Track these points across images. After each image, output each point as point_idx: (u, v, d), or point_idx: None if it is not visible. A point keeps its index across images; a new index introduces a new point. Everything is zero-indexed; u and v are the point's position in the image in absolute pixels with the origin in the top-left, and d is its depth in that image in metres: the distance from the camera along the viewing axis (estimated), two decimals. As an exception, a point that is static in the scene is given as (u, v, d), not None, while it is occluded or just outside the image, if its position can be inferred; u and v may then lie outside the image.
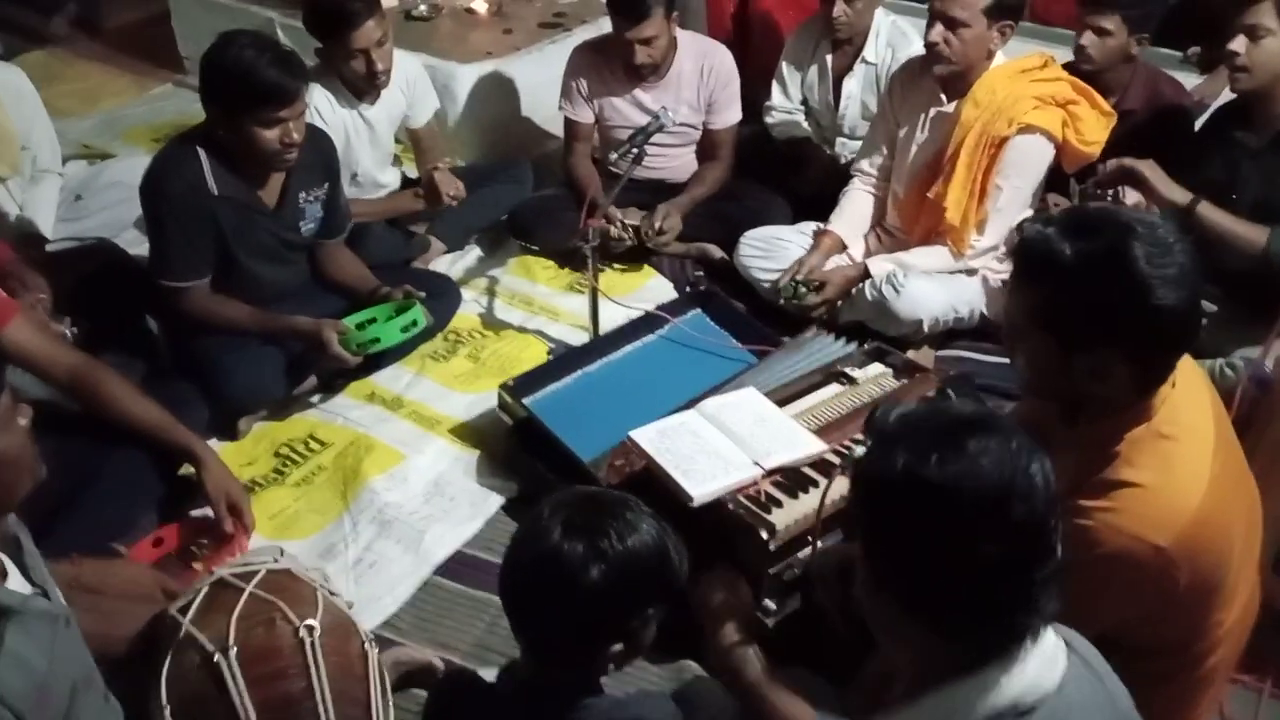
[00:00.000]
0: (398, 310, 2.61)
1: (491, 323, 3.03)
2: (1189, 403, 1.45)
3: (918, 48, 3.03)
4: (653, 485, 2.05)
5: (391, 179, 3.26)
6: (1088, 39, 2.77)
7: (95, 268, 2.78)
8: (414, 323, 2.57)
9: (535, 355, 2.85)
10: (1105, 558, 1.35)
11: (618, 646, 1.36)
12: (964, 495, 1.03)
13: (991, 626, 1.08)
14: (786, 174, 3.40)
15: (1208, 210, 2.35)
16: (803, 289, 2.85)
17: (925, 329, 2.78)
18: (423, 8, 3.98)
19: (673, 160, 3.30)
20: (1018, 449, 1.07)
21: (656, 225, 3.11)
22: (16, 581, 1.27)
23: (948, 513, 1.04)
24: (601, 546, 1.31)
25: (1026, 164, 2.70)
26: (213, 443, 2.42)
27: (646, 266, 3.27)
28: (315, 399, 2.71)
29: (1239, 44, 2.31)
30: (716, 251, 3.26)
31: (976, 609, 1.07)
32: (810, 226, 3.07)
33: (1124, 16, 2.74)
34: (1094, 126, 2.66)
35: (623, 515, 1.36)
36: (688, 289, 3.09)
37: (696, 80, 3.21)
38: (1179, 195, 2.36)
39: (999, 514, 1.04)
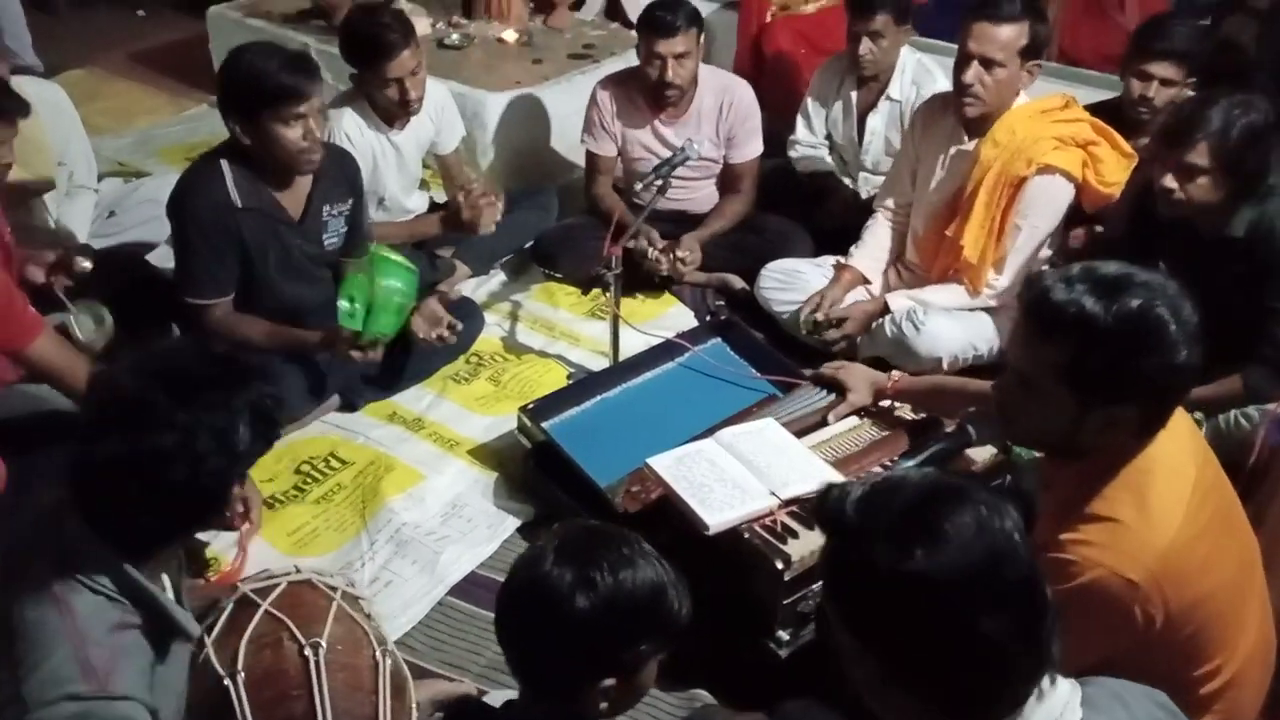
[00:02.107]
0: (377, 265, 2.57)
1: (513, 346, 3.05)
2: (1168, 441, 1.47)
3: (943, 85, 3.07)
4: (669, 513, 2.06)
5: (418, 204, 3.31)
6: (1154, 90, 2.78)
7: (124, 281, 2.83)
8: (401, 293, 2.53)
9: (555, 380, 2.88)
10: (1079, 590, 1.36)
11: (609, 681, 1.33)
12: (955, 579, 1.00)
13: (1005, 688, 1.06)
14: (808, 207, 3.42)
15: None
16: (825, 326, 2.87)
17: (945, 366, 2.79)
18: (455, 37, 4.04)
19: (694, 192, 3.34)
20: (989, 512, 1.04)
21: (678, 255, 3.14)
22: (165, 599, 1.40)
23: (942, 600, 1.01)
24: (590, 576, 1.30)
25: (1045, 204, 2.71)
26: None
27: (668, 294, 3.30)
28: (336, 417, 2.74)
29: (1170, 181, 2.25)
30: (737, 282, 3.28)
31: (988, 679, 1.04)
32: (831, 260, 3.09)
33: (1186, 65, 2.78)
34: (1114, 168, 2.68)
35: (619, 549, 1.35)
36: (708, 318, 3.11)
37: (716, 115, 3.25)
38: None
39: (993, 585, 1.02)
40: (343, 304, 2.48)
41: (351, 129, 2.97)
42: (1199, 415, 2.33)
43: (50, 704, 1.25)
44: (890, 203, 3.04)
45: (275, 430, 1.42)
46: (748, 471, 2.09)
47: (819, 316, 2.88)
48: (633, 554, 1.35)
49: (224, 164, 2.49)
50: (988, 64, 2.60)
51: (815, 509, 1.12)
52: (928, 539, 1.01)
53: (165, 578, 1.43)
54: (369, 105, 3.00)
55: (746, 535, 1.97)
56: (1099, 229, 2.89)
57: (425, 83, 2.99)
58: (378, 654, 1.52)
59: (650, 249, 3.09)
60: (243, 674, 1.43)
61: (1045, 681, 1.07)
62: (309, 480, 2.53)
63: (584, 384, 2.66)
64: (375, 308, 2.51)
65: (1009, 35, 2.58)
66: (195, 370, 1.36)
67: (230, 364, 1.42)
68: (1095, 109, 2.85)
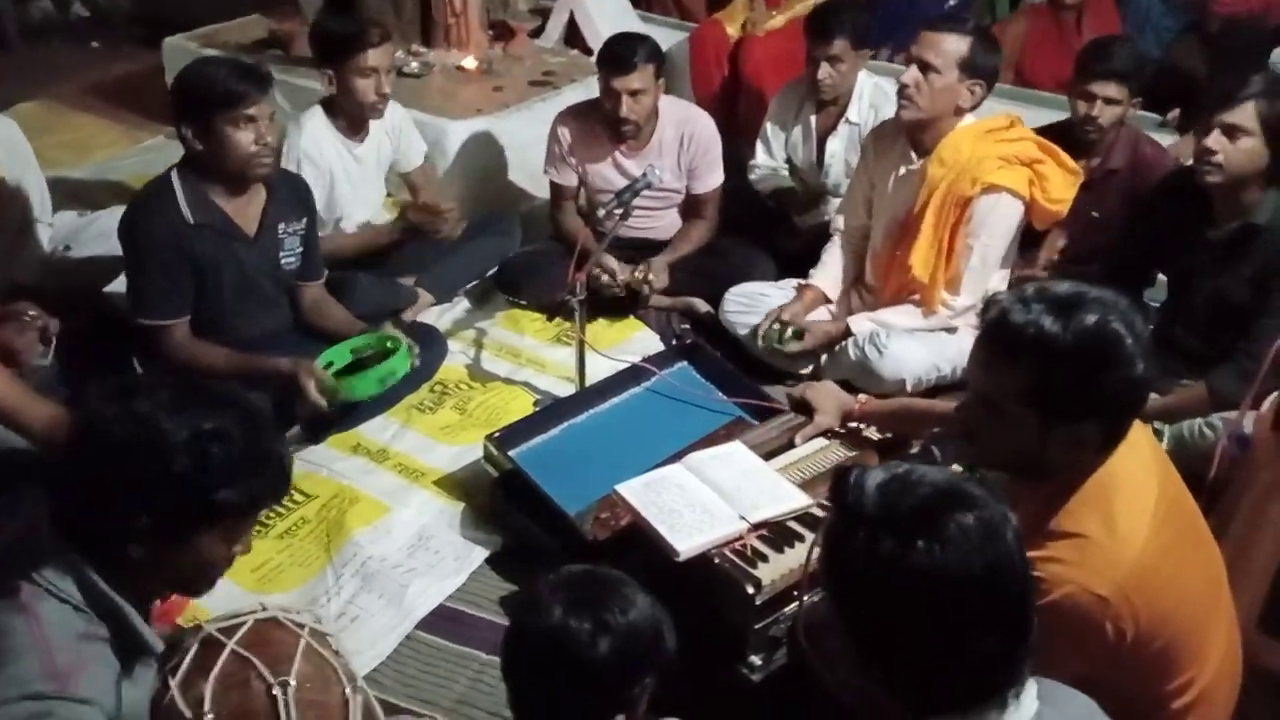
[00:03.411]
0: (379, 344, 2.60)
1: (478, 374, 3.03)
2: (1129, 456, 1.49)
3: (898, 108, 3.11)
4: (638, 539, 2.05)
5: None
6: (1099, 109, 2.86)
7: (80, 315, 2.78)
8: (391, 373, 2.56)
9: (522, 407, 2.85)
10: (1049, 607, 1.37)
11: (620, 718, 1.39)
12: (951, 579, 1.05)
13: (979, 693, 1.09)
14: (771, 231, 3.45)
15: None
16: (786, 334, 2.89)
17: (909, 388, 2.80)
18: (414, 65, 4.03)
19: (657, 220, 3.35)
20: (997, 522, 1.08)
21: (647, 278, 3.14)
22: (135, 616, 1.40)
23: (935, 597, 1.05)
24: (606, 620, 1.36)
25: (994, 223, 2.74)
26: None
27: (633, 319, 3.29)
28: (300, 449, 2.70)
29: (1215, 140, 2.32)
30: (702, 305, 3.29)
31: (964, 680, 1.09)
32: (794, 283, 3.11)
33: (1128, 84, 2.87)
34: (1060, 185, 2.72)
35: (620, 590, 1.41)
36: (674, 342, 3.11)
37: (678, 147, 3.27)
38: None
39: (987, 591, 1.06)
40: (332, 350, 2.55)
41: (315, 133, 3.02)
42: (1160, 425, 2.37)
43: (10, 703, 1.24)
44: (842, 224, 3.06)
45: (265, 449, 1.41)
46: (716, 496, 2.08)
47: (783, 318, 2.91)
48: (632, 593, 1.41)
49: (175, 178, 2.50)
50: (924, 67, 2.66)
51: (832, 489, 1.18)
52: (933, 536, 1.05)
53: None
54: (333, 117, 3.05)
55: (717, 560, 1.97)
56: (1060, 245, 2.95)
57: (391, 87, 3.04)
58: (348, 691, 1.48)
59: (605, 275, 3.09)
60: (210, 716, 1.39)
61: (1013, 695, 1.10)
62: (272, 515, 2.48)
63: (550, 411, 2.65)
64: (365, 371, 2.54)
65: (947, 45, 2.64)
66: (183, 388, 1.38)
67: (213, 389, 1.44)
68: (1046, 130, 2.91)
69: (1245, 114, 2.29)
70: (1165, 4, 4.43)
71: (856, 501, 1.10)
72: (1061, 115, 3.10)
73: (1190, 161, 2.51)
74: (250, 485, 1.38)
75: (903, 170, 2.84)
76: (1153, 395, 2.35)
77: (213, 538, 1.40)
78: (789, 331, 2.91)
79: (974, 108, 2.74)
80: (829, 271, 3.05)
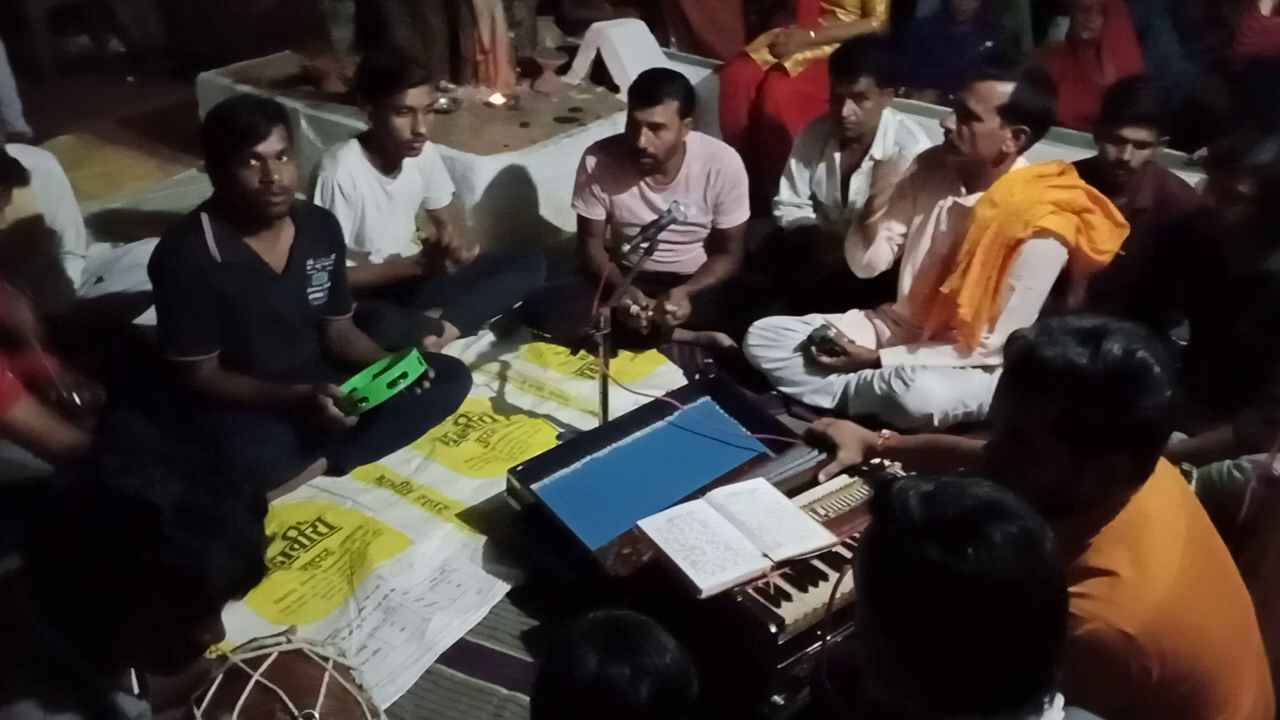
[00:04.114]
0: (392, 364, 2.62)
1: (502, 407, 3.04)
2: (1157, 495, 1.49)
3: (924, 145, 3.12)
4: (660, 576, 2.04)
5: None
6: (1129, 153, 2.87)
7: (111, 346, 2.83)
8: (403, 375, 2.54)
9: (545, 440, 2.86)
10: (1076, 642, 1.35)
11: None
12: (998, 584, 1.08)
13: (1016, 698, 1.13)
14: (794, 265, 3.46)
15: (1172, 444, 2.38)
16: (826, 343, 2.96)
17: (935, 423, 2.79)
18: (443, 101, 4.09)
19: (682, 255, 3.37)
20: (1038, 535, 1.13)
21: (667, 308, 3.16)
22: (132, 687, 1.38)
23: (985, 602, 1.09)
24: (645, 665, 1.37)
25: (1039, 267, 2.74)
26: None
27: (656, 353, 3.30)
28: (324, 481, 2.71)
29: (1212, 199, 2.38)
30: (725, 340, 3.29)
31: (1003, 687, 1.12)
32: (817, 318, 3.11)
33: (1157, 126, 2.88)
34: (1107, 236, 2.72)
35: (652, 634, 1.42)
36: (697, 376, 3.11)
37: (704, 183, 3.29)
38: None
39: (1030, 596, 1.10)
40: (355, 378, 2.57)
41: (350, 166, 3.07)
42: (1188, 466, 2.34)
43: None
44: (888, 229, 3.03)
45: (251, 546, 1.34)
46: (739, 533, 2.07)
47: (831, 334, 2.97)
48: (663, 637, 1.42)
49: (204, 218, 2.54)
50: (965, 115, 2.67)
51: (875, 499, 1.19)
52: (980, 543, 1.09)
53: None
54: (370, 152, 3.10)
55: (739, 598, 1.96)
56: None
57: (429, 127, 3.10)
58: (369, 726, 1.49)
59: (633, 305, 3.11)
60: (236, 748, 1.40)
61: (1047, 701, 1.14)
62: (296, 546, 2.50)
63: (573, 444, 2.65)
64: (371, 390, 2.54)
65: (987, 90, 2.65)
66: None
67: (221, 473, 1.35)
68: (1091, 172, 2.90)
69: (1241, 179, 2.33)
70: (1184, 48, 4.45)
71: (902, 511, 1.13)
72: (1083, 152, 3.09)
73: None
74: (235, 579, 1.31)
75: (950, 201, 2.84)
76: (1180, 436, 2.36)
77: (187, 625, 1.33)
78: (826, 343, 2.97)
79: (1021, 151, 2.74)
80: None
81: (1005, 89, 2.64)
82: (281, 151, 2.48)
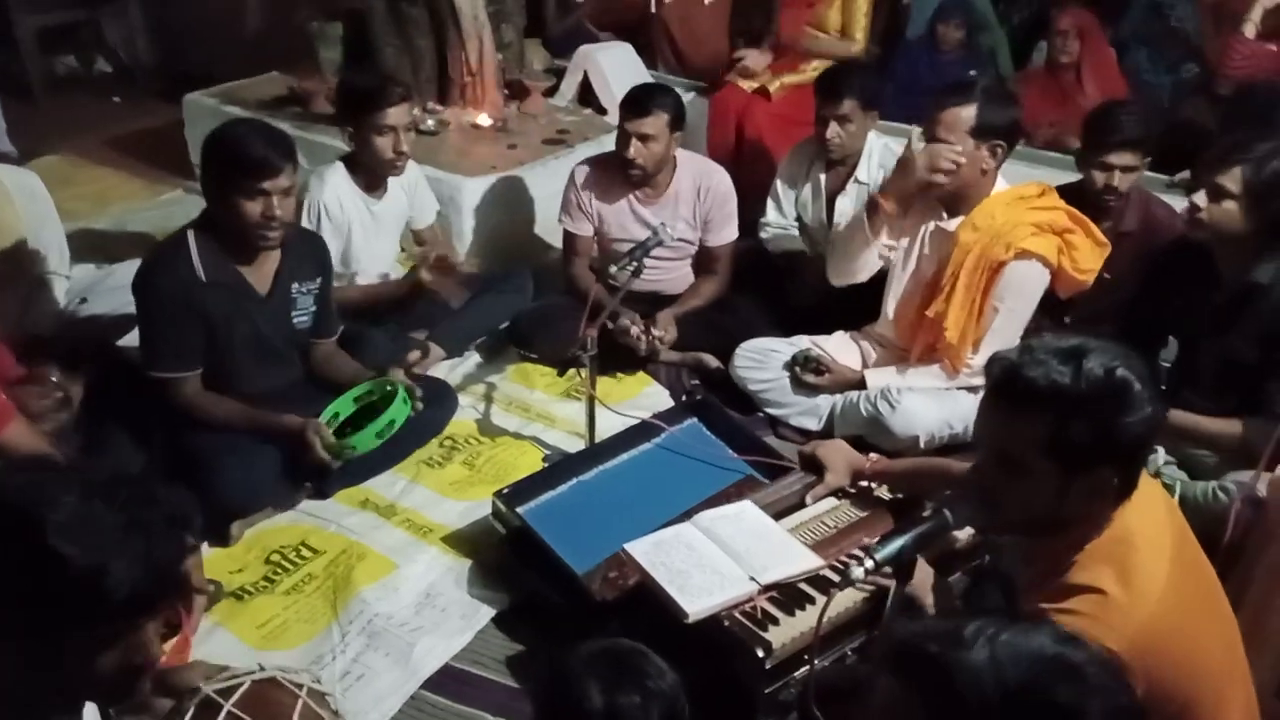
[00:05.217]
0: (379, 390, 2.62)
1: (488, 429, 3.03)
2: (1142, 513, 1.51)
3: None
4: (647, 600, 2.03)
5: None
6: (1117, 178, 2.89)
7: (95, 366, 2.80)
8: (390, 423, 2.56)
9: (531, 462, 2.85)
10: None
11: None
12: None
13: None
14: (780, 286, 3.47)
15: (1178, 416, 2.38)
16: (810, 363, 2.97)
17: (922, 444, 2.80)
18: (430, 123, 4.10)
19: (670, 273, 3.37)
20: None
21: (654, 333, 3.15)
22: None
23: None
24: (651, 690, 1.38)
25: (1022, 288, 2.75)
26: (204, 548, 2.42)
27: (643, 374, 3.30)
28: (308, 504, 2.69)
29: (1200, 198, 2.38)
30: (712, 361, 3.29)
31: None
32: (804, 339, 3.11)
33: (1142, 149, 2.91)
34: (1089, 255, 2.73)
35: (650, 660, 1.43)
36: (684, 397, 3.11)
37: (693, 199, 3.31)
38: None
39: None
40: (337, 401, 2.57)
41: (335, 187, 3.07)
42: (1170, 479, 2.35)
43: None
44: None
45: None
46: (726, 556, 2.06)
47: (813, 352, 2.98)
48: (658, 661, 1.43)
49: (190, 237, 2.52)
50: (940, 144, 2.69)
51: (914, 668, 1.02)
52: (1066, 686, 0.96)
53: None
54: (354, 172, 3.10)
55: (726, 623, 1.94)
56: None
57: (411, 146, 3.10)
58: (346, 752, 1.47)
59: (631, 325, 3.12)
60: (207, 781, 1.37)
61: None
62: (279, 570, 2.47)
63: (559, 467, 2.64)
64: (364, 427, 2.55)
65: (954, 117, 2.67)
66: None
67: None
68: (1061, 193, 2.92)
69: (1232, 177, 2.33)
70: (1151, 62, 4.49)
71: (975, 687, 0.96)
72: (1063, 173, 3.12)
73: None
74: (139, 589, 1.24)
75: (933, 226, 2.85)
76: (1182, 413, 2.36)
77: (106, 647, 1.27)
78: (810, 363, 2.97)
79: (1000, 164, 2.77)
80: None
81: (969, 112, 2.66)
82: (288, 188, 2.47)
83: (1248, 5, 3.97)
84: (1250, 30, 3.94)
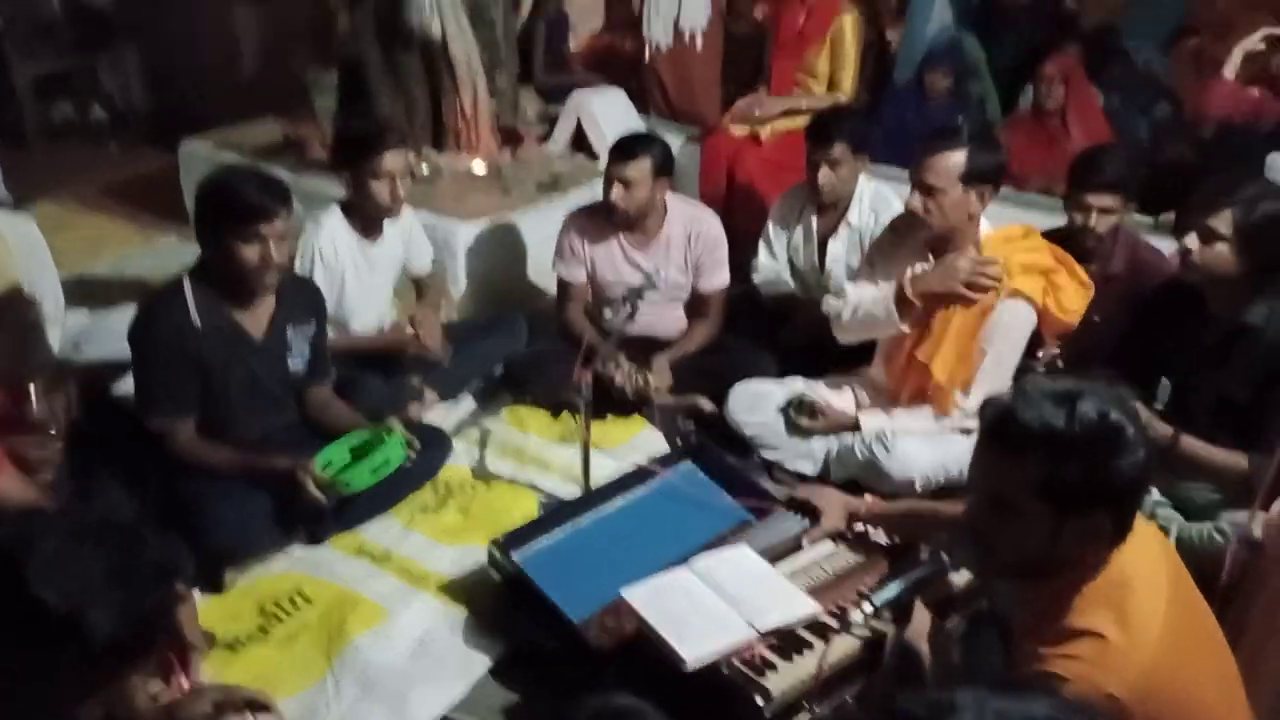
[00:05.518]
0: (375, 438, 2.61)
1: (482, 474, 3.02)
2: (1138, 555, 1.51)
3: (898, 209, 3.17)
4: (644, 647, 2.02)
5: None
6: (1095, 219, 2.93)
7: (89, 413, 2.80)
8: (385, 462, 2.56)
9: (526, 507, 2.84)
10: None
11: None
12: None
13: None
14: (773, 329, 3.49)
15: (1189, 443, 2.41)
16: (805, 407, 2.97)
17: (918, 488, 2.80)
18: (424, 168, 4.13)
19: (663, 318, 3.39)
20: None
21: (649, 379, 3.17)
22: None
23: None
24: None
25: (1011, 329, 2.77)
26: (196, 596, 2.40)
27: (638, 418, 3.30)
28: (302, 551, 2.68)
29: (1191, 240, 2.42)
30: (707, 404, 3.30)
31: None
32: (798, 381, 3.12)
33: (1122, 192, 2.94)
34: (1073, 296, 2.76)
35: (652, 716, 1.37)
36: (679, 441, 3.11)
37: (685, 244, 3.34)
38: (1161, 430, 2.40)
39: None
40: (331, 447, 2.57)
41: (331, 231, 3.08)
42: (1164, 521, 2.35)
43: None
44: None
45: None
46: (724, 602, 2.06)
47: (807, 397, 2.99)
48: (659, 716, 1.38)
49: (186, 284, 2.54)
50: (929, 191, 2.72)
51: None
52: None
53: None
54: (350, 217, 3.12)
55: (724, 669, 1.94)
56: (1055, 349, 2.97)
57: (406, 192, 3.13)
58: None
59: (618, 372, 3.12)
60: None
61: None
62: (273, 620, 2.45)
63: (555, 514, 2.62)
64: (359, 462, 2.55)
65: (943, 163, 2.70)
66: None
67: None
68: (1048, 237, 2.95)
69: (1222, 220, 2.36)
70: (1124, 104, 4.57)
71: None
72: (1050, 216, 3.16)
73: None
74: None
75: (918, 268, 2.88)
76: (1194, 446, 2.38)
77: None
78: (805, 407, 2.98)
79: (984, 206, 2.80)
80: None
81: (959, 157, 2.70)
82: (284, 233, 2.50)
83: (1227, 50, 4.04)
84: (1230, 72, 4.01)
